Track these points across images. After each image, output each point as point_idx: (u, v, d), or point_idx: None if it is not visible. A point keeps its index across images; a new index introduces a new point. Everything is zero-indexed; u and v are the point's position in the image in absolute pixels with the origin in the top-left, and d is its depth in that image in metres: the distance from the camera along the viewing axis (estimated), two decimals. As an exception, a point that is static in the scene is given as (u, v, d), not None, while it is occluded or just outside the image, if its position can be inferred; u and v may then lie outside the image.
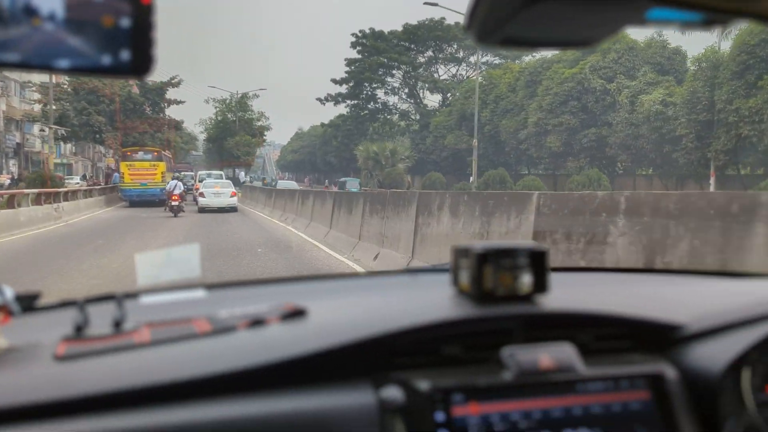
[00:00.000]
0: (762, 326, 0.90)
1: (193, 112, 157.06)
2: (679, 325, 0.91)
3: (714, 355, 0.85)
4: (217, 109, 49.38)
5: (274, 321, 0.89)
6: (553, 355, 0.84)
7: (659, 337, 0.91)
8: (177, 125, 40.60)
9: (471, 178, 30.53)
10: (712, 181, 24.23)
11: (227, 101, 49.15)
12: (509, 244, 0.91)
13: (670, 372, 0.85)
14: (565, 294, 0.98)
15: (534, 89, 32.51)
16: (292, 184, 40.68)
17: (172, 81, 36.78)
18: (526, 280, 0.92)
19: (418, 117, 48.21)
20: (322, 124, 56.92)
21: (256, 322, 0.88)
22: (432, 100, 49.79)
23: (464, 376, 0.83)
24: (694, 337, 0.90)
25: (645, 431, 0.81)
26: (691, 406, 0.83)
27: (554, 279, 0.94)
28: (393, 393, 0.79)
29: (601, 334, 0.91)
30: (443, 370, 0.84)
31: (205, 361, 0.79)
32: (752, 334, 0.89)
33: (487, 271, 0.91)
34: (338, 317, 0.95)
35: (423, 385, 0.80)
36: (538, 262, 0.93)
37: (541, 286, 0.93)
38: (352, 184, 36.84)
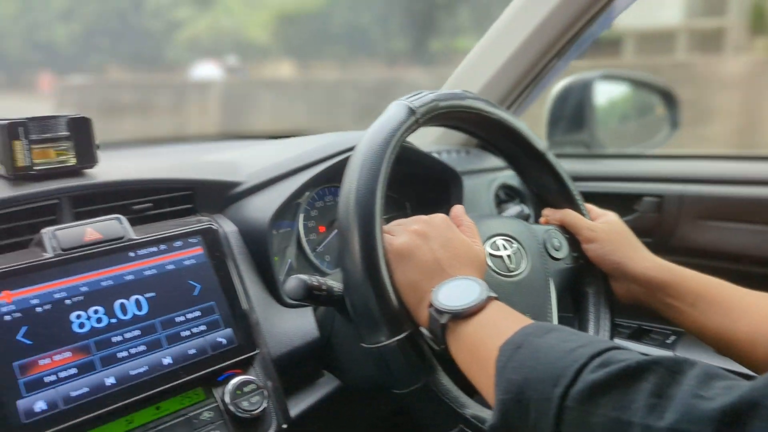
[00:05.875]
0: (301, 176, 0.97)
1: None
2: (236, 182, 0.94)
3: (264, 205, 0.91)
4: None
5: None
6: (100, 226, 0.79)
7: (218, 197, 0.93)
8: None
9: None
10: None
11: None
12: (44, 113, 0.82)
13: (226, 227, 0.88)
14: (117, 165, 0.92)
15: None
16: None
17: None
18: (71, 152, 0.83)
19: None
20: None
21: None
22: None
23: None
24: (250, 192, 0.94)
25: (199, 283, 0.82)
26: (246, 254, 0.88)
27: (106, 153, 0.87)
28: None
29: (159, 200, 0.89)
30: None
31: None
32: (293, 184, 0.95)
33: (17, 146, 0.81)
34: None
35: None
36: (81, 132, 0.83)
37: (86, 158, 0.84)
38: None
